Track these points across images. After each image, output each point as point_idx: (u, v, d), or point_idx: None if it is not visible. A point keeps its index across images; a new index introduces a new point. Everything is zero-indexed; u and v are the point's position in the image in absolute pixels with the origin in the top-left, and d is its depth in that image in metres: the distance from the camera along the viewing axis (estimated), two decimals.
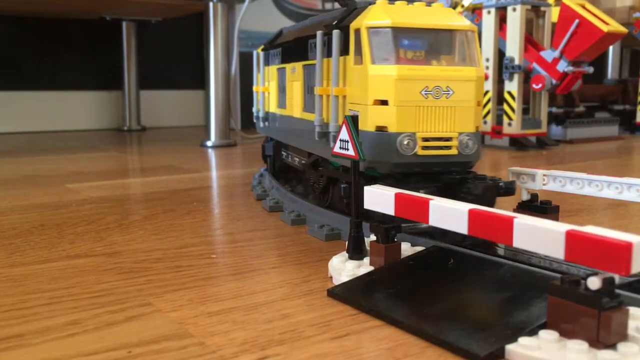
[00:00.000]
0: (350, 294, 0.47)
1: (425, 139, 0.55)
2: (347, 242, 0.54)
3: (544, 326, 0.38)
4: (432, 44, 0.57)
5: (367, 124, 0.56)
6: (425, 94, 0.55)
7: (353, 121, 0.53)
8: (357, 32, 0.57)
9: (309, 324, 0.43)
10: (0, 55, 2.06)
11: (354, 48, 0.58)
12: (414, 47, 0.56)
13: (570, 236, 0.36)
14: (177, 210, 0.81)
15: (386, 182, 0.55)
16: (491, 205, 0.55)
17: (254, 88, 1.00)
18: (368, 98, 0.56)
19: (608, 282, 0.35)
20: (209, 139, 1.64)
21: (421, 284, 0.48)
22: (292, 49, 0.80)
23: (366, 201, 0.51)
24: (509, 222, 0.39)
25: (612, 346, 0.35)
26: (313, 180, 0.74)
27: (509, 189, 0.58)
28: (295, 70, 0.77)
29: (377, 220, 0.52)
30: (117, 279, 0.53)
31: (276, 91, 0.88)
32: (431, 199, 0.46)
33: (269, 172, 0.97)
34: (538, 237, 0.37)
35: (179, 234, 0.68)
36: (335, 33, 0.60)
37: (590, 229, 0.36)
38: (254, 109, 1.01)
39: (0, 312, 0.45)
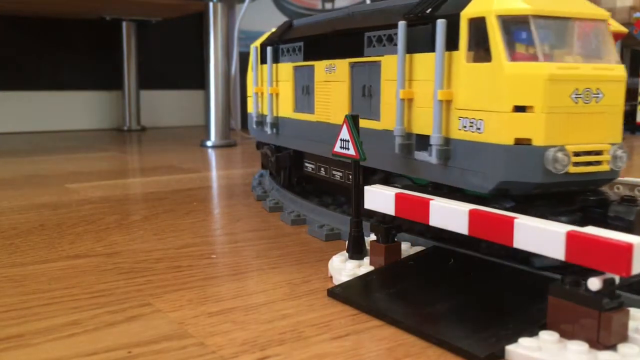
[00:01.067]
0: (351, 294, 0.47)
1: (576, 153, 0.45)
2: (347, 242, 0.54)
3: (544, 327, 0.38)
4: (568, 36, 0.47)
5: (501, 136, 0.45)
6: (575, 97, 0.45)
7: (353, 120, 0.53)
8: (478, 21, 0.47)
9: (309, 324, 0.43)
10: (0, 55, 2.06)
11: (469, 41, 0.48)
12: (545, 40, 0.46)
13: (571, 237, 0.35)
14: (177, 210, 0.81)
15: (502, 206, 0.46)
16: None
17: (255, 89, 0.88)
18: (503, 103, 0.45)
19: (608, 283, 0.35)
20: (209, 139, 1.64)
21: (421, 284, 0.48)
22: (327, 43, 0.69)
23: (366, 201, 0.51)
24: (510, 222, 0.39)
25: (612, 347, 0.35)
26: None
27: None
28: (334, 68, 0.67)
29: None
30: (117, 279, 0.53)
31: (292, 93, 0.78)
32: (432, 199, 0.46)
33: (283, 185, 0.85)
34: (538, 237, 0.37)
35: (179, 234, 0.68)
36: (441, 23, 0.49)
37: (591, 230, 0.36)
38: (254, 113, 0.89)
39: (0, 312, 0.45)
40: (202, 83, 2.22)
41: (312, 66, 0.72)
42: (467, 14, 0.48)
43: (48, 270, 0.55)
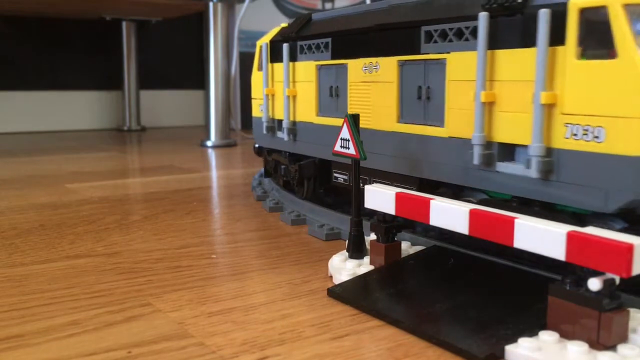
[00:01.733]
0: (351, 294, 0.47)
1: None
2: (347, 242, 0.54)
3: (544, 327, 0.38)
4: None
5: (630, 146, 0.39)
6: None
7: (354, 119, 0.53)
8: (594, 11, 0.41)
9: (309, 324, 0.43)
10: (0, 55, 2.06)
11: (579, 35, 0.42)
12: None
13: (571, 237, 0.35)
14: (177, 210, 0.81)
15: (612, 228, 0.42)
16: None
17: (265, 90, 0.80)
18: (634, 108, 0.39)
19: (609, 284, 0.35)
20: (209, 139, 1.65)
21: (421, 284, 0.48)
22: (366, 39, 0.62)
23: (367, 200, 0.51)
24: (510, 222, 0.39)
25: (612, 348, 0.35)
26: None
27: None
28: (377, 67, 0.60)
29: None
30: (117, 279, 0.53)
31: (316, 95, 0.71)
32: (432, 199, 0.46)
33: (305, 197, 0.77)
34: (539, 237, 0.37)
35: (179, 234, 0.68)
36: (544, 14, 0.42)
37: (591, 230, 0.36)
38: (264, 117, 0.80)
39: (0, 312, 0.45)
40: (202, 83, 2.22)
41: (345, 65, 0.65)
42: (578, 3, 0.41)
43: (48, 270, 0.55)
